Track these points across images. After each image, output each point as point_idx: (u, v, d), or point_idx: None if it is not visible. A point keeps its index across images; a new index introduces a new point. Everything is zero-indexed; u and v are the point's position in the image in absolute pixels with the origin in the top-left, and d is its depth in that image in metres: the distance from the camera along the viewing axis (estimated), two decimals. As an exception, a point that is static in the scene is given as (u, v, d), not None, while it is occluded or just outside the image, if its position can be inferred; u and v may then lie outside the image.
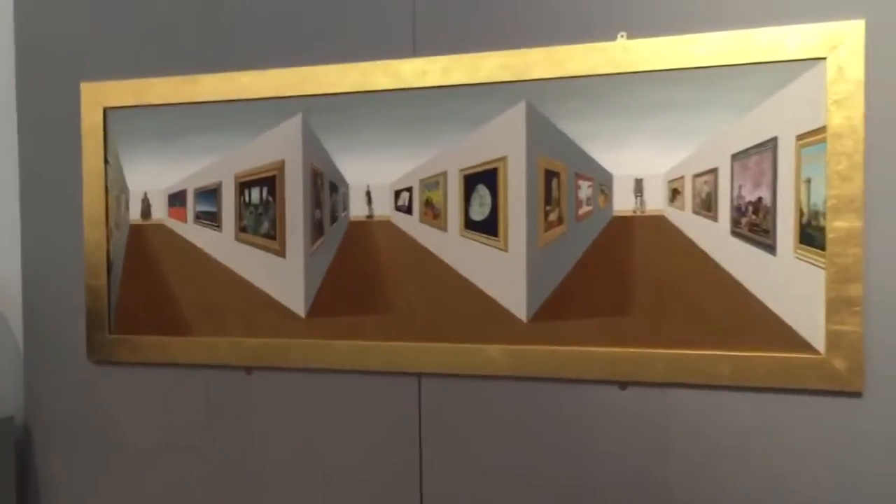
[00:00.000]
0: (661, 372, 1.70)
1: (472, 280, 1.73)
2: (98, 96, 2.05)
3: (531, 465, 1.83)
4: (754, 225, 1.60)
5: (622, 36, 1.71)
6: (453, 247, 1.73)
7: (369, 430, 1.92)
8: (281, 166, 1.84)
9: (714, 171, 1.60)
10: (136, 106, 2.01)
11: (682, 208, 1.61)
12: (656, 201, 1.60)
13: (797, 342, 1.62)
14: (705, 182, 1.60)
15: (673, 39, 1.66)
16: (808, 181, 1.60)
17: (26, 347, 2.23)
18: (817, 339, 1.61)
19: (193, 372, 2.04)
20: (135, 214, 1.93)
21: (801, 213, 1.60)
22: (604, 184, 1.64)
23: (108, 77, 2.08)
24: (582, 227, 1.66)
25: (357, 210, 1.77)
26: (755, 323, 1.63)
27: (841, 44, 1.58)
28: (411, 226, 1.74)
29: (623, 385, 1.75)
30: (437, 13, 1.84)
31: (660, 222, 1.61)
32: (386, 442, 1.91)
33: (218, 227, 1.87)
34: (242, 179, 1.85)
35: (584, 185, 1.64)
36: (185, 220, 1.88)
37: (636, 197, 1.60)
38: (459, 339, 1.79)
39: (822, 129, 1.59)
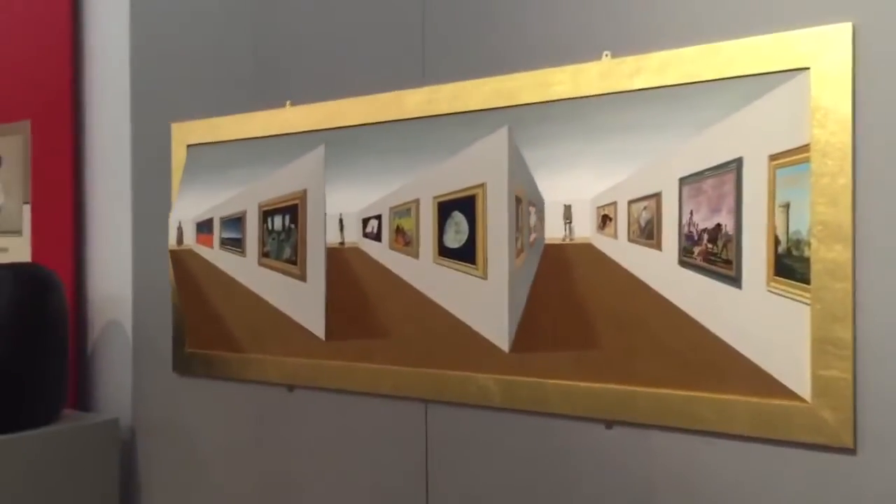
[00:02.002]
0: (644, 412, 1.58)
1: (448, 308, 1.73)
2: (183, 135, 2.30)
3: (518, 500, 1.77)
4: (711, 254, 1.45)
5: (607, 55, 1.63)
6: (426, 274, 1.74)
7: (382, 449, 1.96)
8: (303, 196, 1.95)
9: (656, 195, 1.47)
10: (208, 143, 2.23)
11: (614, 236, 1.49)
12: (584, 228, 1.50)
13: (775, 387, 1.44)
14: (644, 208, 1.48)
15: (654, 56, 1.56)
16: (787, 206, 1.42)
17: (134, 355, 2.53)
18: (801, 384, 1.42)
19: (247, 387, 2.21)
20: (171, 241, 2.15)
21: (777, 242, 1.43)
22: (541, 210, 1.57)
23: (192, 117, 2.32)
24: (532, 255, 1.59)
25: (331, 237, 1.83)
26: (721, 363, 1.47)
27: (825, 51, 1.40)
28: (381, 253, 1.77)
29: (609, 424, 1.65)
30: (444, 39, 1.87)
31: (589, 251, 1.51)
32: (396, 461, 1.94)
33: (242, 252, 2.02)
34: (266, 208, 1.99)
35: (532, 211, 1.58)
36: (211, 245, 2.06)
37: (565, 224, 1.51)
38: (452, 367, 1.79)
39: (804, 148, 1.41)
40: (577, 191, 1.50)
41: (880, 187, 1.38)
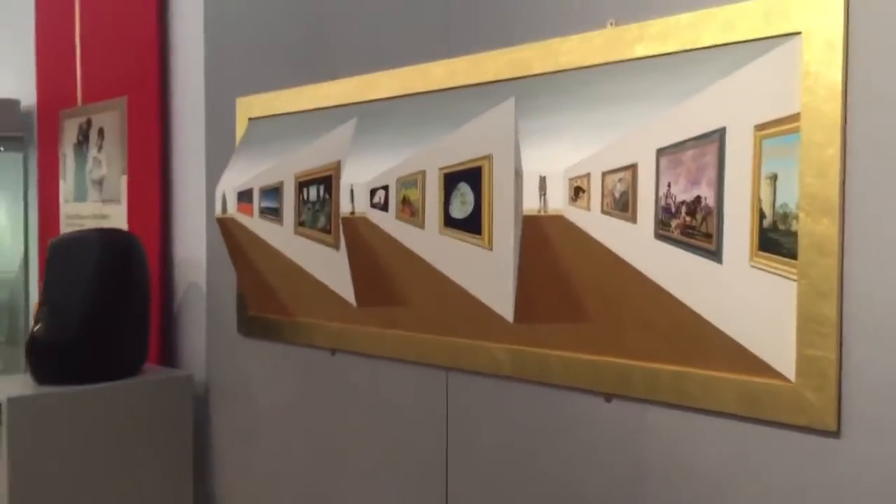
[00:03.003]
0: (639, 386, 1.57)
1: (453, 278, 1.75)
2: (245, 109, 2.43)
3: (523, 470, 1.79)
4: (689, 227, 1.40)
5: (612, 23, 1.60)
6: (432, 244, 1.77)
7: (407, 415, 2.03)
8: (337, 167, 2.03)
9: (632, 167, 1.43)
10: (264, 117, 2.35)
11: (587, 208, 1.46)
12: (556, 200, 1.48)
13: (759, 366, 1.39)
14: (619, 180, 1.44)
15: (655, 23, 1.52)
16: (774, 178, 1.36)
17: (208, 316, 2.70)
18: (786, 363, 1.37)
19: (295, 349, 2.33)
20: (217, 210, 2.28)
21: (763, 215, 1.37)
22: (521, 182, 1.55)
23: (254, 92, 2.44)
24: (517, 227, 1.59)
25: (344, 207, 1.89)
26: (703, 340, 1.43)
27: (817, 14, 1.32)
28: (388, 223, 1.82)
29: (608, 397, 1.64)
30: (466, 10, 1.88)
31: (560, 222, 1.48)
32: (417, 427, 2.00)
33: (279, 220, 2.12)
34: (301, 179, 2.08)
35: (517, 182, 1.57)
36: (251, 214, 2.17)
37: (540, 196, 1.49)
38: (465, 335, 1.82)
39: (794, 117, 1.34)
40: (555, 162, 1.49)
41: (871, 158, 1.30)
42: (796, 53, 1.34)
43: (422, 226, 1.78)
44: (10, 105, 3.88)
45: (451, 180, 1.74)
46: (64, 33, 3.47)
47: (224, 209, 2.20)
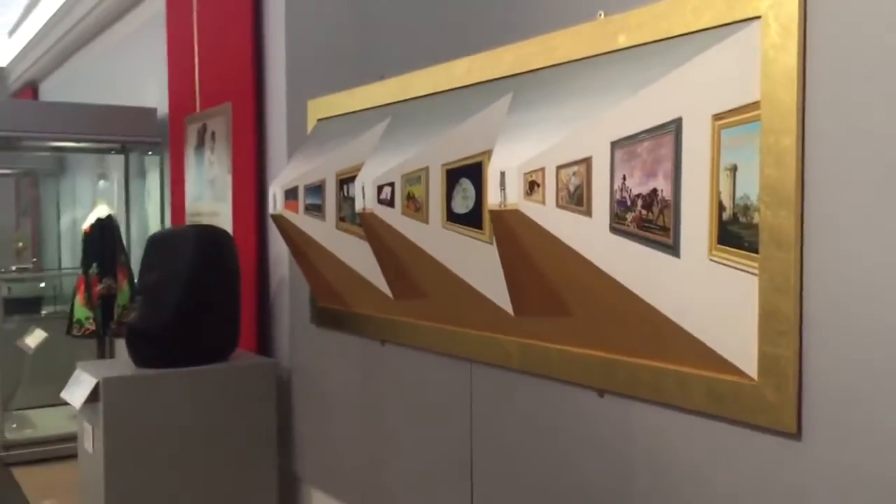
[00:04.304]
0: (623, 381, 1.55)
1: (456, 272, 1.79)
2: (315, 111, 2.58)
3: (516, 462, 1.81)
4: (646, 221, 1.37)
5: (601, 14, 1.59)
6: (436, 239, 1.81)
7: (434, 401, 2.10)
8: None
9: (586, 160, 1.41)
10: (327, 117, 2.48)
11: (542, 202, 1.45)
12: (514, 195, 1.47)
13: (722, 363, 1.35)
14: (574, 173, 1.42)
15: (634, 13, 1.50)
16: (734, 169, 1.31)
17: (290, 307, 2.88)
18: (748, 361, 1.32)
19: (355, 339, 2.45)
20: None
21: (722, 208, 1.32)
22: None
23: (323, 94, 2.58)
24: None
25: (358, 204, 1.97)
26: (665, 336, 1.39)
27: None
28: (394, 219, 1.87)
29: (601, 392, 1.63)
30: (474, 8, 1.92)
31: (517, 217, 1.47)
32: (447, 412, 2.06)
33: (322, 216, 2.23)
34: (342, 176, 2.18)
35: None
36: (297, 210, 2.29)
37: (501, 191, 1.49)
38: (478, 328, 1.86)
39: (753, 106, 1.29)
40: (516, 157, 1.49)
41: (829, 147, 1.23)
42: (755, 39, 1.29)
43: (426, 220, 1.83)
44: (148, 113, 4.27)
45: (454, 176, 1.78)
46: (186, 48, 3.78)
47: (275, 206, 2.35)
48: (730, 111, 1.31)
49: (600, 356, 1.58)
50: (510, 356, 1.81)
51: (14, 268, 6.07)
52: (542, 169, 1.46)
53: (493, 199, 1.51)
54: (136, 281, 3.50)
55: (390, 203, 1.90)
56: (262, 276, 3.17)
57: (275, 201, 2.34)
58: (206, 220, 3.53)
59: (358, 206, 1.97)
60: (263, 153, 3.16)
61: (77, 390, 2.67)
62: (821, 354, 1.25)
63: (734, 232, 1.32)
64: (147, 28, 4.53)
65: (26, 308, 5.23)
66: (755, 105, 1.29)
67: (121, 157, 4.60)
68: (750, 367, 1.32)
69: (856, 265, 1.21)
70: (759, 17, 1.29)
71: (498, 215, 1.52)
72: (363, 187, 1.94)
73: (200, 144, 3.66)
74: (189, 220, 3.79)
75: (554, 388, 1.74)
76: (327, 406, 2.65)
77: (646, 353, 1.48)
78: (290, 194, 2.30)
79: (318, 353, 2.70)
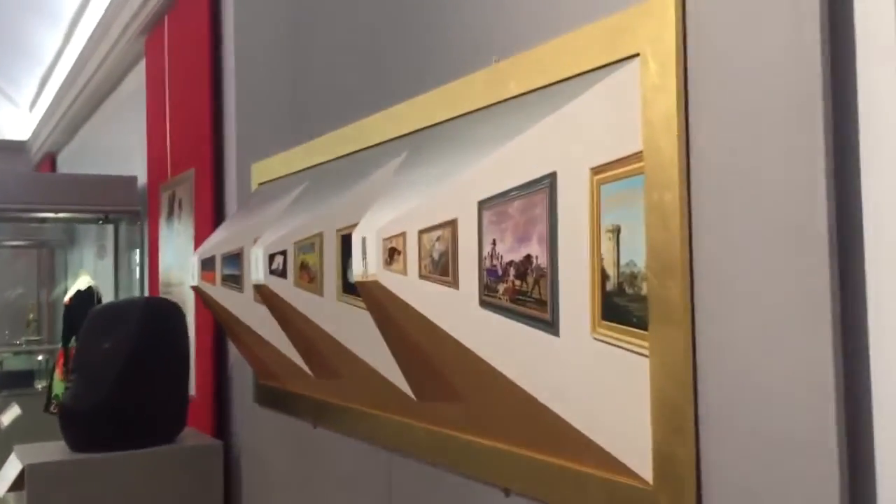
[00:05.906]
0: (527, 480, 1.33)
1: (354, 350, 1.59)
2: (258, 175, 2.43)
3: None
4: (520, 293, 1.16)
5: (496, 60, 1.42)
6: (331, 313, 1.62)
7: (356, 496, 1.88)
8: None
9: (451, 223, 1.21)
10: (265, 182, 2.34)
11: (403, 272, 1.25)
12: (373, 264, 1.27)
13: (614, 463, 1.12)
14: (438, 238, 1.22)
15: (523, 57, 1.33)
16: (617, 231, 1.11)
17: (236, 384, 2.70)
18: (642, 462, 1.09)
19: (291, 421, 2.25)
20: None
21: (605, 277, 1.12)
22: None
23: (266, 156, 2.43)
24: None
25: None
26: (549, 429, 1.17)
27: (652, 30, 1.08)
28: (287, 290, 1.68)
29: (507, 492, 1.41)
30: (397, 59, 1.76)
31: (377, 290, 1.27)
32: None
33: (240, 288, 2.06)
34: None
35: None
36: (213, 282, 2.12)
37: (363, 260, 1.29)
38: (389, 410, 1.66)
39: (636, 157, 1.09)
40: (377, 221, 1.31)
41: (717, 203, 1.03)
42: (634, 80, 1.10)
43: (320, 292, 1.65)
44: (128, 182, 4.19)
45: (350, 242, 1.60)
46: (160, 116, 3.71)
47: (193, 277, 2.19)
48: (609, 164, 1.11)
49: (503, 449, 1.36)
50: (421, 445, 1.60)
51: (20, 340, 6.04)
52: (403, 234, 1.26)
53: (356, 268, 1.32)
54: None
55: (282, 273, 1.72)
56: (222, 350, 3.00)
57: (193, 272, 2.17)
58: (175, 291, 3.40)
59: (253, 278, 1.80)
60: (222, 220, 3.02)
61: (5, 475, 2.50)
62: (720, 456, 1.03)
63: (620, 305, 1.10)
64: (137, 96, 4.49)
65: (20, 382, 5.15)
66: (637, 156, 1.09)
67: (111, 228, 4.53)
68: (644, 468, 1.09)
69: (753, 345, 0.99)
70: (637, 55, 1.10)
71: (362, 287, 1.33)
72: (256, 258, 1.76)
73: (171, 213, 3.55)
74: (162, 291, 3.66)
75: (467, 484, 1.52)
76: (269, 491, 2.44)
77: (544, 448, 1.25)
78: (208, 264, 2.14)
79: (259, 433, 2.50)
